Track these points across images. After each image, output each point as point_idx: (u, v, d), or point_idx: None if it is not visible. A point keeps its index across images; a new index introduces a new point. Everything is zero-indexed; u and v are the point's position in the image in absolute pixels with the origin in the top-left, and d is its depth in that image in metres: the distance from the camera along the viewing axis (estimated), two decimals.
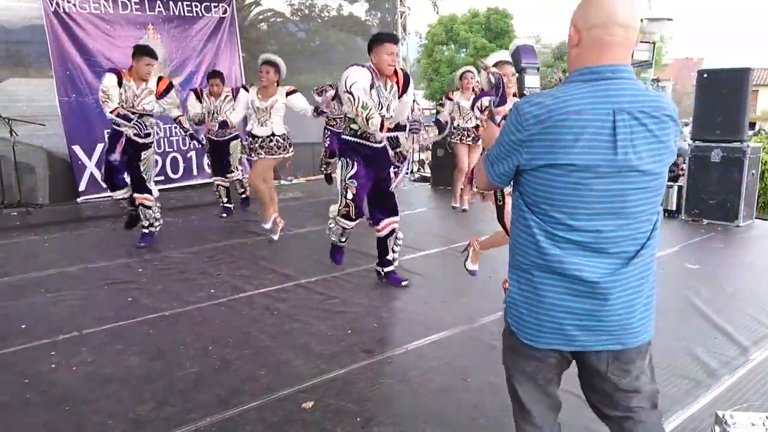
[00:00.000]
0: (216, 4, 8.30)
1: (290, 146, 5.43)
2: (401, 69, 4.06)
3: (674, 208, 6.59)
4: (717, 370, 2.96)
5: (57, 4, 7.02)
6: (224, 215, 6.58)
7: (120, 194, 5.20)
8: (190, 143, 8.11)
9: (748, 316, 3.67)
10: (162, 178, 7.78)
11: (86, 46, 7.29)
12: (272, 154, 5.32)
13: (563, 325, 1.49)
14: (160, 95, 5.09)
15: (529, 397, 1.64)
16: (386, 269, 4.29)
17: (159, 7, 7.84)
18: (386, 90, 3.91)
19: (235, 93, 5.80)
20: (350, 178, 3.92)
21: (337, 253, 4.37)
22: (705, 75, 6.43)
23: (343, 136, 4.06)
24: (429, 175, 9.31)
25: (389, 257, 4.27)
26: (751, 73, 6.16)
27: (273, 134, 5.27)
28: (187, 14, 8.08)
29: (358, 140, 3.95)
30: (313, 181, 9.14)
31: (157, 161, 5.58)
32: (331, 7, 10.50)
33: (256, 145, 5.29)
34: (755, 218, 6.48)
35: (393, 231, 4.20)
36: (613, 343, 1.50)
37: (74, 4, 7.15)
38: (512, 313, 1.60)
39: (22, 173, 6.81)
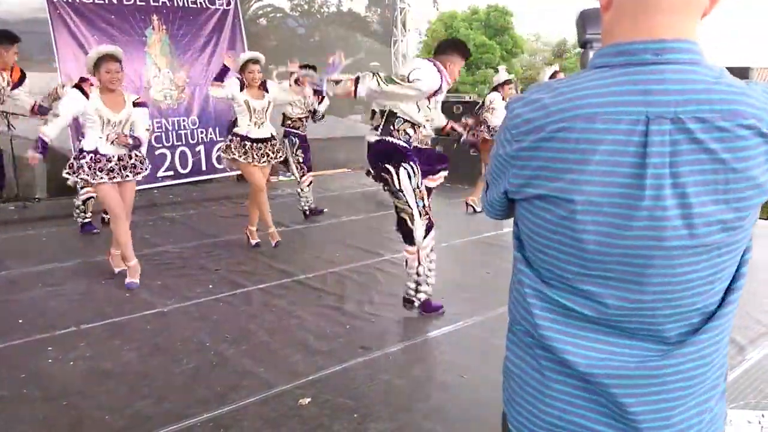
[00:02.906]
0: None
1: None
2: None
3: None
4: None
5: None
6: (96, 231, 5.61)
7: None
8: (199, 136, 7.90)
9: (746, 315, 3.67)
10: (171, 173, 7.63)
11: (90, 37, 7.23)
12: (277, 156, 5.07)
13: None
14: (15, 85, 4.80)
15: None
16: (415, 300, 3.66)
17: None
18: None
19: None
20: (417, 186, 3.46)
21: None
22: None
23: (397, 142, 3.46)
24: None
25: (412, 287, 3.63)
26: (751, 72, 6.15)
27: (273, 136, 4.99)
28: (191, 5, 8.00)
29: (410, 146, 3.55)
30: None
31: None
32: (331, 3, 10.48)
33: (259, 148, 4.85)
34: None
35: (406, 261, 3.61)
36: None
37: None
38: (506, 386, 1.07)
39: (20, 167, 6.79)
